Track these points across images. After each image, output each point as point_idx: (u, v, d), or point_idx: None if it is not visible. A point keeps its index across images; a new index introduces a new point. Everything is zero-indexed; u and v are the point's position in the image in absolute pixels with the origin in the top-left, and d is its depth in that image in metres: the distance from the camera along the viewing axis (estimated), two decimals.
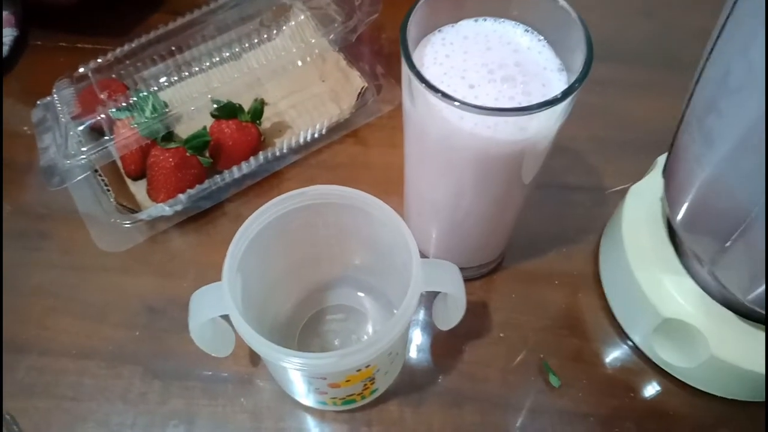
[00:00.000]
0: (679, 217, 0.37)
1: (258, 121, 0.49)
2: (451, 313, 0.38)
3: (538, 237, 0.48)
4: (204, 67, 0.51)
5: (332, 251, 0.40)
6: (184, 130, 0.48)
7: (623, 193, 0.47)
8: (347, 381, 0.34)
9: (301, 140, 0.50)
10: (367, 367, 0.33)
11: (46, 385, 0.42)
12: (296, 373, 0.34)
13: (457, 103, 0.28)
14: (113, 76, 0.51)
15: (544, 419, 0.41)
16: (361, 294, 0.44)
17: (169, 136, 0.47)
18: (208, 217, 0.50)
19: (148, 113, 0.47)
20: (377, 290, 0.43)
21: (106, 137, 0.43)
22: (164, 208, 0.46)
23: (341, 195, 0.35)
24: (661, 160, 0.45)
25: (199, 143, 0.46)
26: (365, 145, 0.54)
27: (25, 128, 0.53)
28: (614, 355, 0.43)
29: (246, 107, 0.49)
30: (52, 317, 0.45)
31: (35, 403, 0.42)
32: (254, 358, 0.43)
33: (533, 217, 0.45)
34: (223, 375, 0.43)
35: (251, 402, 0.42)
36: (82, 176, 0.43)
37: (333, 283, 0.44)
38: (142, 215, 0.45)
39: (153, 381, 0.43)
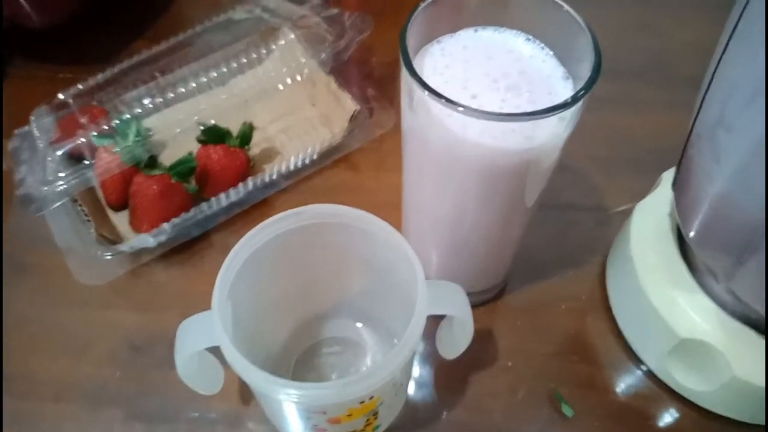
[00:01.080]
0: (692, 232, 0.35)
1: (247, 146, 0.47)
2: (458, 340, 0.36)
3: (542, 260, 0.46)
4: (189, 89, 0.49)
5: (329, 276, 0.38)
6: (168, 157, 0.46)
7: (627, 213, 0.45)
8: (349, 415, 0.31)
9: (292, 166, 0.48)
10: (370, 398, 0.30)
11: None
12: (292, 409, 0.31)
13: (461, 109, 0.26)
14: (94, 102, 0.49)
15: None
16: (359, 324, 0.42)
17: (153, 163, 0.45)
18: (194, 248, 0.47)
19: (130, 138, 0.45)
20: (376, 319, 0.41)
21: (86, 162, 0.41)
22: (147, 239, 0.43)
23: (339, 214, 0.33)
24: (666, 175, 0.43)
25: (184, 169, 0.44)
26: (357, 170, 0.52)
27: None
28: (628, 381, 0.41)
29: (234, 132, 0.47)
30: (32, 355, 0.42)
31: None
32: (245, 397, 0.40)
33: (535, 238, 0.43)
34: (211, 416, 0.40)
35: None
36: (60, 203, 0.40)
37: (329, 312, 0.41)
38: (124, 247, 0.43)
39: (134, 424, 0.40)
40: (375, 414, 0.33)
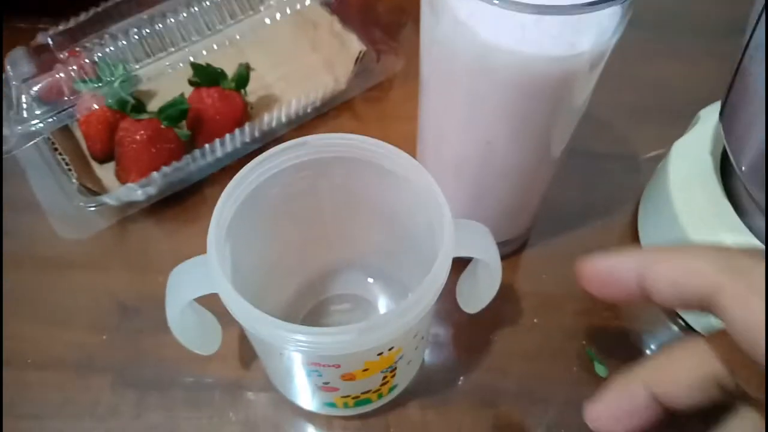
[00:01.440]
0: (744, 166, 0.32)
1: (243, 90, 0.43)
2: (482, 290, 0.32)
3: (568, 210, 0.42)
4: (179, 35, 0.44)
5: (337, 224, 0.34)
6: (157, 106, 0.42)
7: (657, 159, 0.41)
8: (365, 370, 0.28)
9: (293, 113, 0.44)
10: (390, 350, 0.27)
11: (6, 405, 0.36)
12: (300, 364, 0.27)
13: (496, 2, 0.22)
14: (77, 48, 0.44)
15: None
16: (370, 280, 0.38)
17: (141, 107, 0.41)
18: (186, 202, 0.43)
19: (116, 81, 0.40)
20: (389, 273, 0.37)
21: (65, 98, 0.37)
22: (135, 190, 0.39)
23: (352, 145, 0.29)
24: (705, 113, 0.40)
25: (175, 113, 0.40)
26: (362, 119, 0.48)
27: None
28: (665, 337, 0.37)
29: (229, 73, 0.43)
30: (12, 323, 0.38)
31: None
32: (245, 360, 0.37)
33: (561, 188, 0.40)
34: (207, 381, 0.36)
35: (242, 412, 0.35)
36: (35, 141, 0.36)
37: (338, 266, 0.38)
38: (110, 198, 0.39)
39: (126, 391, 0.36)
40: (393, 371, 0.30)
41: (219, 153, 0.42)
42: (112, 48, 0.41)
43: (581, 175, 0.44)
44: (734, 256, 0.21)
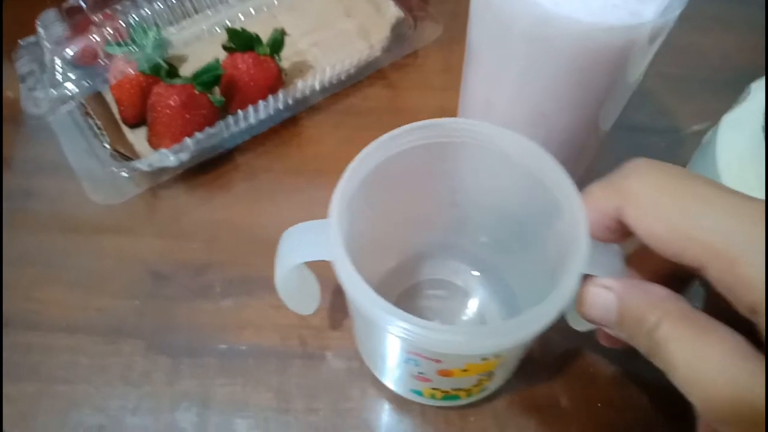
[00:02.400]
0: None
1: (277, 56, 0.42)
2: None
3: None
4: (211, 3, 0.44)
5: (450, 209, 0.33)
6: (190, 71, 0.41)
7: (701, 134, 0.40)
8: (464, 370, 0.27)
9: (327, 80, 0.43)
10: (496, 356, 0.26)
11: (33, 366, 0.35)
12: (397, 348, 0.27)
13: None
14: (108, 11, 0.44)
15: None
16: (475, 273, 0.36)
17: (174, 72, 0.40)
18: (219, 170, 0.43)
19: (149, 47, 0.40)
20: (494, 269, 0.36)
21: (99, 62, 0.36)
22: (168, 156, 0.39)
23: (483, 133, 0.27)
24: (756, 86, 0.38)
25: (209, 78, 0.39)
26: (398, 88, 0.47)
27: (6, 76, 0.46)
28: None
29: (263, 38, 0.42)
30: (41, 287, 0.38)
31: (21, 386, 0.35)
32: (281, 330, 0.36)
33: (603, 163, 0.38)
34: (241, 349, 0.36)
35: (275, 379, 0.35)
36: (69, 107, 0.35)
37: (442, 251, 0.37)
38: (142, 164, 0.38)
39: (158, 358, 0.36)
40: (490, 375, 0.29)
41: (252, 120, 0.41)
42: (146, 10, 0.40)
43: (622, 149, 0.42)
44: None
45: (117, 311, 0.37)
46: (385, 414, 0.34)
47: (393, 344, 0.27)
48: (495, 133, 0.27)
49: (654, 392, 0.34)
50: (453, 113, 0.39)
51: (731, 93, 0.40)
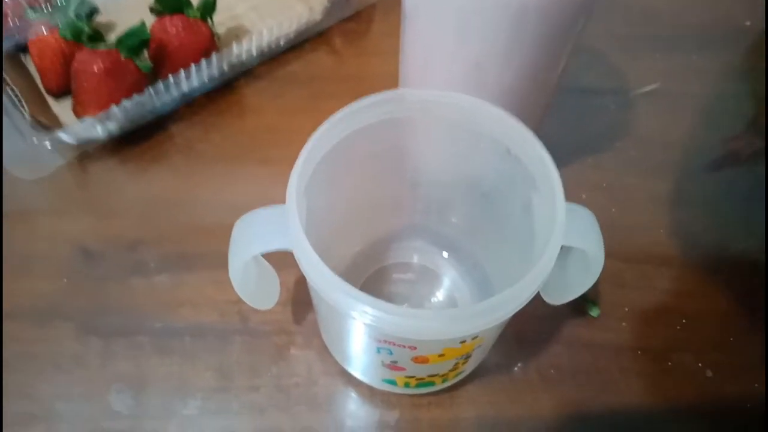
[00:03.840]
0: None
1: (210, 19, 0.40)
2: (575, 281, 0.28)
3: (559, 148, 0.40)
4: None
5: (417, 190, 0.31)
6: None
7: (650, 95, 0.39)
8: (441, 355, 0.25)
9: (264, 44, 0.41)
10: (474, 338, 0.24)
11: None
12: (367, 338, 0.25)
13: None
14: None
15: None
16: (444, 254, 0.35)
17: (98, 36, 0.37)
18: (151, 141, 0.41)
19: (71, 11, 0.37)
20: (466, 251, 0.34)
21: (11, 25, 0.33)
22: (94, 125, 0.36)
23: (452, 104, 0.26)
24: None
25: (135, 42, 0.37)
26: (340, 55, 0.45)
27: None
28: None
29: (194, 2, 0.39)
30: None
31: None
32: (220, 306, 0.34)
33: (551, 126, 0.37)
34: (177, 326, 0.34)
35: (215, 357, 0.33)
36: None
37: (408, 233, 0.35)
38: (66, 133, 0.36)
39: (89, 339, 0.34)
40: (467, 358, 0.27)
41: (184, 86, 0.39)
42: None
43: (572, 111, 0.42)
44: None
45: (45, 293, 0.35)
46: (333, 388, 0.32)
47: (362, 334, 0.25)
48: (462, 103, 0.25)
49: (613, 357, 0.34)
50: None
51: (680, 53, 0.39)
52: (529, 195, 0.26)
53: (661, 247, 0.37)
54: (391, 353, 0.25)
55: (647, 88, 0.42)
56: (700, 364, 0.33)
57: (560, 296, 0.29)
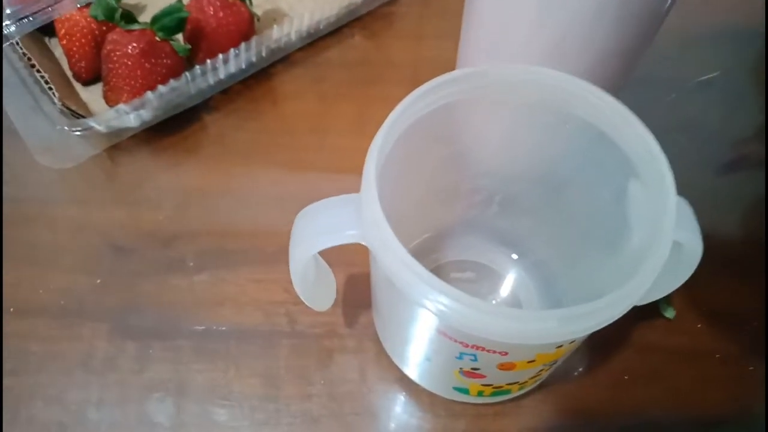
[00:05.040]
0: None
1: (249, 0, 0.37)
2: (668, 277, 0.26)
3: None
4: None
5: (479, 179, 0.29)
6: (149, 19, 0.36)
7: (708, 84, 0.37)
8: (531, 362, 0.23)
9: (305, 29, 0.39)
10: (572, 342, 0.22)
11: None
12: (448, 342, 0.22)
13: None
14: None
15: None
16: (506, 251, 0.32)
17: (132, 16, 0.35)
18: (185, 131, 0.38)
19: None
20: (529, 247, 0.32)
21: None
22: (127, 113, 0.34)
23: (543, 83, 0.23)
24: None
25: (171, 22, 0.34)
26: (384, 38, 0.43)
27: None
28: None
29: None
30: None
31: None
32: (265, 306, 0.32)
33: None
34: (220, 329, 0.32)
35: (262, 363, 0.31)
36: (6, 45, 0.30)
37: (465, 228, 0.32)
38: (97, 122, 0.33)
39: (124, 342, 0.31)
40: (552, 364, 0.25)
41: (221, 72, 0.36)
42: None
43: (632, 102, 0.39)
44: None
45: (73, 290, 0.33)
46: (390, 396, 0.30)
47: (444, 338, 0.22)
48: (553, 80, 0.23)
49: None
50: (450, 62, 0.35)
51: (737, 43, 0.37)
52: (622, 183, 0.23)
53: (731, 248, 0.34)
54: (475, 359, 0.23)
55: (704, 78, 0.40)
56: None
57: (648, 294, 0.27)
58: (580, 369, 0.31)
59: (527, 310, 0.19)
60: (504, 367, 0.23)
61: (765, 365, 0.31)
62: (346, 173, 0.35)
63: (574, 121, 0.24)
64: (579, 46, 0.26)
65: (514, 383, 0.26)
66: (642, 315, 0.32)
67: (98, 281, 0.33)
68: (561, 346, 0.22)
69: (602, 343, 0.31)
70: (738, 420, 0.30)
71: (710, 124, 0.39)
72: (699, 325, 0.32)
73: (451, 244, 0.33)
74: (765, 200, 0.36)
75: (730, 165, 0.38)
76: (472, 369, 0.24)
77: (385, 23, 0.43)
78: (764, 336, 0.32)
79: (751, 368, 0.31)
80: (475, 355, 0.22)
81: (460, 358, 0.23)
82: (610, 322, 0.20)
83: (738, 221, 0.36)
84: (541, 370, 0.25)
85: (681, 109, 0.39)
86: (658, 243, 0.20)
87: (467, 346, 0.22)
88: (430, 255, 0.32)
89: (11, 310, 0.32)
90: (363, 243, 0.21)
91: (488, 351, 0.21)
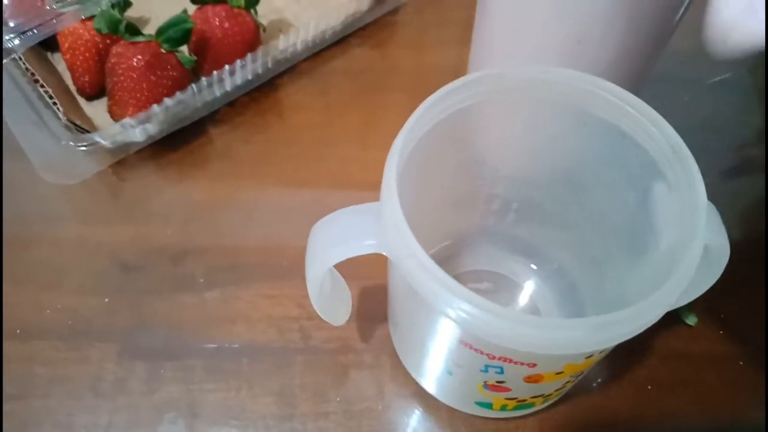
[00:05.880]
0: None
1: (254, 10, 0.37)
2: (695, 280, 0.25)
3: None
4: None
5: (496, 185, 0.28)
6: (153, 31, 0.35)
7: (722, 84, 0.36)
8: (559, 373, 0.22)
9: (310, 38, 0.38)
10: (601, 351, 0.21)
11: None
12: (473, 354, 0.21)
13: None
14: None
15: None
16: (523, 259, 0.31)
17: (136, 28, 0.34)
18: (191, 145, 0.37)
19: (104, 3, 0.34)
20: (546, 255, 0.31)
21: (44, 14, 0.30)
22: (133, 127, 0.33)
23: (564, 83, 0.22)
24: None
25: (177, 33, 0.34)
26: (387, 47, 0.42)
27: None
28: None
29: None
30: None
31: None
32: (278, 322, 0.31)
33: None
34: (233, 347, 0.31)
35: (276, 381, 0.30)
36: (8, 60, 0.29)
37: (481, 237, 0.32)
38: (103, 137, 0.33)
39: (134, 363, 0.30)
40: (578, 376, 0.24)
41: (228, 84, 0.36)
42: None
43: (647, 100, 0.38)
44: None
45: (80, 311, 0.32)
46: (409, 411, 0.29)
47: (469, 351, 0.21)
48: (572, 80, 0.22)
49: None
50: (455, 70, 0.34)
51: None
52: (647, 185, 0.22)
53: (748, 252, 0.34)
54: (501, 372, 0.22)
55: (718, 78, 0.39)
56: None
57: (677, 299, 0.26)
58: (603, 379, 0.30)
59: (558, 319, 0.19)
60: (531, 379, 0.22)
61: None
62: (354, 183, 0.35)
63: (593, 121, 0.23)
64: (596, 47, 0.25)
65: (539, 396, 0.25)
66: (664, 323, 0.31)
67: (106, 300, 0.32)
68: (591, 356, 0.21)
69: (625, 352, 0.31)
70: (766, 424, 0.29)
71: (716, 130, 0.38)
72: (721, 332, 0.31)
73: (469, 253, 0.32)
74: None
75: (733, 170, 0.37)
76: (497, 382, 0.23)
77: (389, 32, 0.42)
78: None
79: None
80: (501, 368, 0.21)
81: (485, 370, 0.22)
82: (644, 329, 0.19)
83: (753, 224, 0.35)
84: (567, 382, 0.24)
85: (696, 110, 0.39)
86: (690, 246, 0.19)
87: (493, 357, 0.21)
88: (447, 264, 0.31)
89: (17, 331, 0.31)
90: (383, 253, 0.21)
91: (516, 363, 0.21)
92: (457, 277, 0.31)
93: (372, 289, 0.32)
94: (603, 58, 0.25)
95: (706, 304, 0.31)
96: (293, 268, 0.32)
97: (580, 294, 0.30)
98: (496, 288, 0.31)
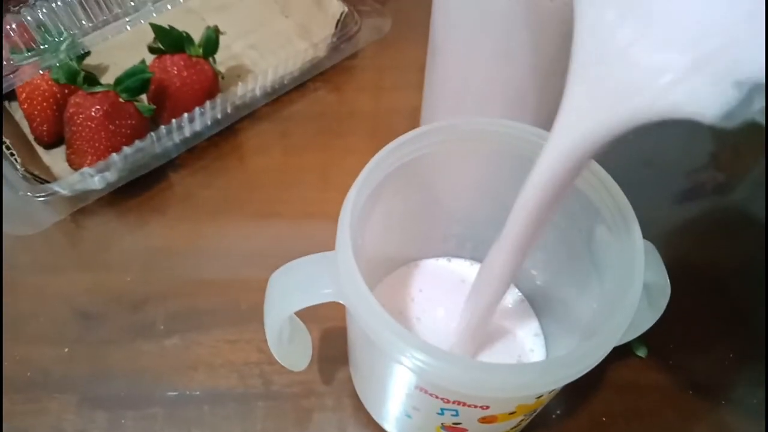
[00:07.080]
0: None
1: (212, 58, 0.38)
2: (638, 318, 0.25)
3: None
4: (132, 5, 0.38)
5: (451, 226, 0.29)
6: (112, 80, 0.36)
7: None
8: (512, 413, 0.23)
9: (269, 84, 0.39)
10: (551, 391, 0.22)
11: None
12: (429, 399, 0.22)
13: None
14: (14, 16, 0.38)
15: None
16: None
17: (94, 78, 0.35)
18: (150, 191, 0.38)
19: (62, 53, 0.34)
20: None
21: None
22: (92, 176, 0.33)
23: (510, 134, 0.24)
24: None
25: (135, 83, 0.34)
26: (346, 91, 0.43)
27: None
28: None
29: (196, 38, 0.37)
30: None
31: None
32: (239, 368, 0.31)
33: None
34: (194, 394, 0.31)
35: (238, 427, 0.30)
36: None
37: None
38: (61, 186, 0.33)
39: (94, 412, 0.30)
40: (531, 414, 0.25)
41: (187, 130, 0.36)
42: (48, 10, 0.35)
43: None
44: None
45: (39, 361, 0.32)
46: None
47: (424, 396, 0.22)
48: (516, 131, 0.23)
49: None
50: (412, 113, 0.36)
51: None
52: (590, 226, 0.24)
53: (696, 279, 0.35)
54: (456, 414, 0.22)
55: None
56: (755, 400, 0.31)
57: (622, 337, 0.27)
58: (561, 412, 0.31)
59: (506, 364, 0.19)
60: (486, 420, 0.23)
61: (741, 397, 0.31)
62: (315, 225, 0.35)
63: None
64: (537, 99, 0.26)
65: None
66: (616, 355, 0.32)
67: (65, 350, 0.32)
68: (541, 396, 0.22)
69: (578, 386, 0.31)
70: None
71: (667, 156, 0.40)
72: (671, 362, 0.32)
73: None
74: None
75: (686, 194, 0.39)
76: (454, 424, 0.24)
77: (347, 76, 0.43)
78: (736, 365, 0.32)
79: (723, 402, 0.31)
80: (456, 410, 0.22)
81: (441, 413, 0.23)
82: (589, 369, 0.20)
83: (702, 249, 0.36)
84: (522, 420, 0.25)
85: (639, 146, 0.40)
86: (629, 289, 0.21)
87: (448, 401, 0.22)
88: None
89: None
90: (339, 301, 0.21)
91: (469, 406, 0.21)
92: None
93: (333, 331, 0.32)
94: (544, 108, 0.27)
95: (656, 334, 0.33)
96: (253, 311, 0.32)
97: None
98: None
